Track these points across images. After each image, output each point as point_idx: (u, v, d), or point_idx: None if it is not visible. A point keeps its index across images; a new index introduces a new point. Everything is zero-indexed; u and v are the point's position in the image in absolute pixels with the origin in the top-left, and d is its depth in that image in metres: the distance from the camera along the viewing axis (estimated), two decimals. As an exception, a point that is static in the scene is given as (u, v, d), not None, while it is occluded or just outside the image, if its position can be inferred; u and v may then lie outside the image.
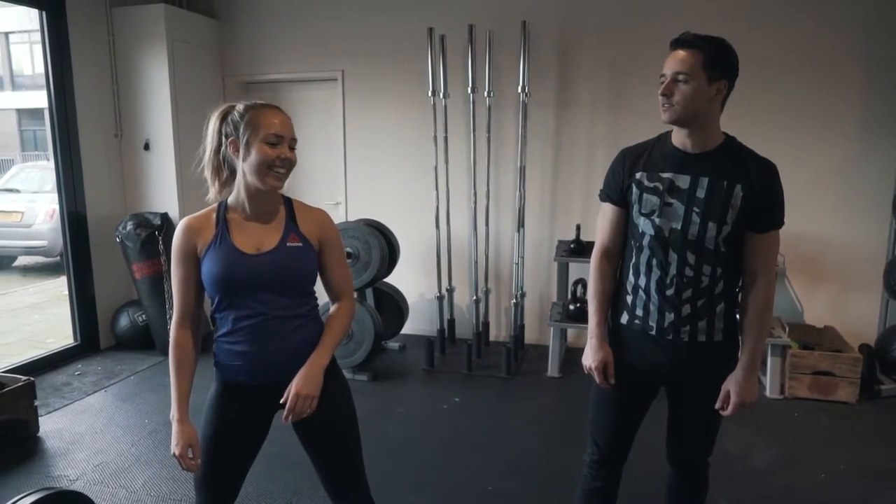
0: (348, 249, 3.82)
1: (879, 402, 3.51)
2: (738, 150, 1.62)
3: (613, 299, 1.80)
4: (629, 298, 1.73)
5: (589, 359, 1.76)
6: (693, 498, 1.91)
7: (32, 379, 3.17)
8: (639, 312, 1.70)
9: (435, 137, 4.24)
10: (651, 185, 1.64)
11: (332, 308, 1.68)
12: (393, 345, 4.43)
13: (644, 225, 1.66)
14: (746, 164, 1.59)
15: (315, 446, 1.65)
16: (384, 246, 3.89)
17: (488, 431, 3.19)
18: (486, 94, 4.12)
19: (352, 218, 4.63)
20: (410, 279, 4.61)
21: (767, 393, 3.59)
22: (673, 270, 1.63)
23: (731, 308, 1.69)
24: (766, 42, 3.86)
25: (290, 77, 4.76)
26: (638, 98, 4.05)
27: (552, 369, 3.94)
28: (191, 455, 1.54)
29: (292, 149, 1.54)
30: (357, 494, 1.69)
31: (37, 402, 3.16)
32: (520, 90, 4.04)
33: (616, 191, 1.73)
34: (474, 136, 4.23)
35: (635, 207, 1.68)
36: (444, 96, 4.19)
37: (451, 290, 4.43)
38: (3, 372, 3.41)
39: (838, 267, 3.97)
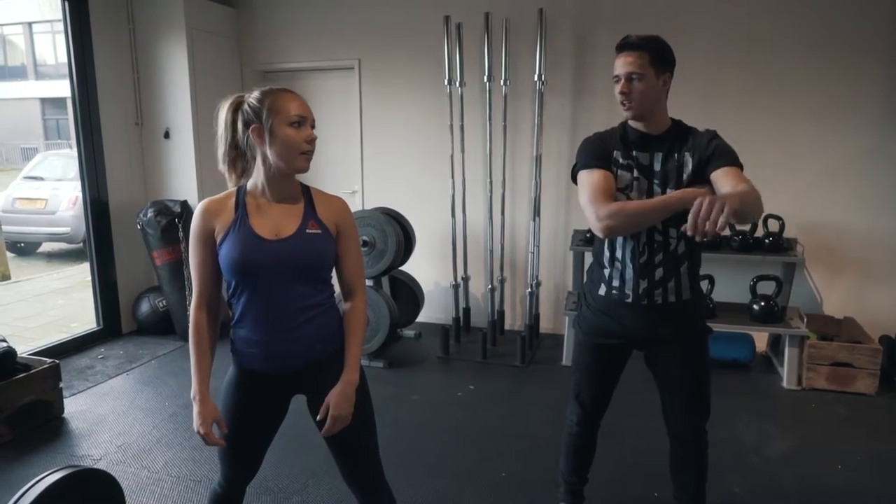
0: (364, 238, 3.85)
1: (899, 395, 3.47)
2: (683, 129, 1.84)
3: (589, 275, 2.03)
4: (606, 272, 1.92)
5: None
6: (695, 468, 2.03)
7: (57, 361, 3.25)
8: (615, 283, 1.89)
9: (451, 126, 4.24)
10: (625, 162, 1.85)
11: (346, 308, 1.67)
12: (408, 332, 4.46)
13: (620, 199, 1.83)
14: (689, 135, 1.82)
15: (338, 449, 1.68)
16: (400, 234, 3.92)
17: (503, 419, 3.22)
18: (502, 82, 4.11)
19: (368, 206, 4.65)
20: (426, 267, 4.63)
21: (784, 384, 3.57)
22: (644, 238, 1.83)
23: (693, 267, 1.89)
24: (786, 35, 3.80)
25: (306, 66, 4.78)
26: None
27: (567, 358, 3.94)
28: (216, 431, 1.57)
29: (313, 128, 1.55)
30: (381, 495, 1.74)
31: (62, 384, 3.24)
32: (536, 78, 4.02)
33: (605, 158, 1.84)
34: (490, 124, 4.23)
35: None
36: (461, 85, 4.19)
37: (466, 279, 4.45)
38: (29, 354, 3.51)
39: (858, 257, 3.92)
